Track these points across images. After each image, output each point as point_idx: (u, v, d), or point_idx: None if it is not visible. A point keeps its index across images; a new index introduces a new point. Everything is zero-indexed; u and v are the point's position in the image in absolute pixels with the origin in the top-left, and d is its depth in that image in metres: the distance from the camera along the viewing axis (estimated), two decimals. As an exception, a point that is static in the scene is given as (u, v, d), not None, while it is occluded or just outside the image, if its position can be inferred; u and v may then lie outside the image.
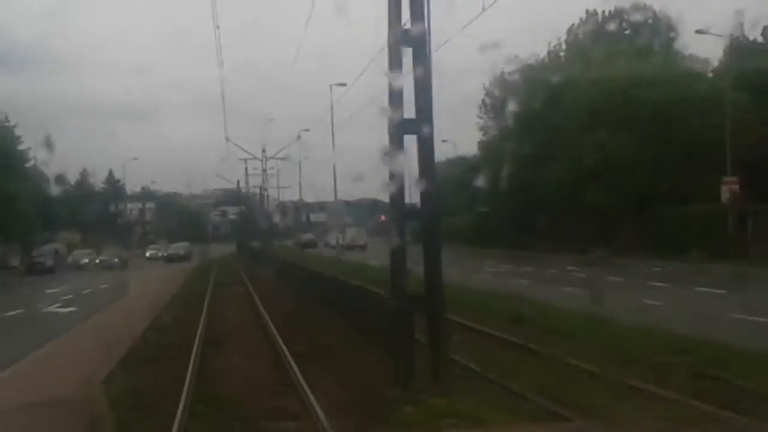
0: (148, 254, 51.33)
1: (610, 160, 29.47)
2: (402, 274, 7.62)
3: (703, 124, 27.67)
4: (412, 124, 7.36)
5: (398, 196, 7.56)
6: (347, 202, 64.25)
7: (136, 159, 57.08)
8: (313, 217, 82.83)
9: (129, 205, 67.46)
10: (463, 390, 7.18)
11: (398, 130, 7.34)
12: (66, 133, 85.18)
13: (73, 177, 61.08)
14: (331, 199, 52.11)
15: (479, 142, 44.10)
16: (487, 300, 14.91)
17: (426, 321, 7.66)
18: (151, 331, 12.63)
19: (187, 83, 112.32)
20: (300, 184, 69.11)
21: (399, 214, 7.69)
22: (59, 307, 18.83)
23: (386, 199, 8.32)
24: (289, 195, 66.03)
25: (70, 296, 21.57)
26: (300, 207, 78.48)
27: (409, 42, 7.29)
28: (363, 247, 47.34)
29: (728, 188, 25.11)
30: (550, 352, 8.94)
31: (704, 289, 16.01)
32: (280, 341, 10.37)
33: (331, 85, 34.58)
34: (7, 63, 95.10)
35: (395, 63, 7.34)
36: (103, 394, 7.50)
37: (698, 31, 29.08)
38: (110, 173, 69.83)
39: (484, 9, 9.66)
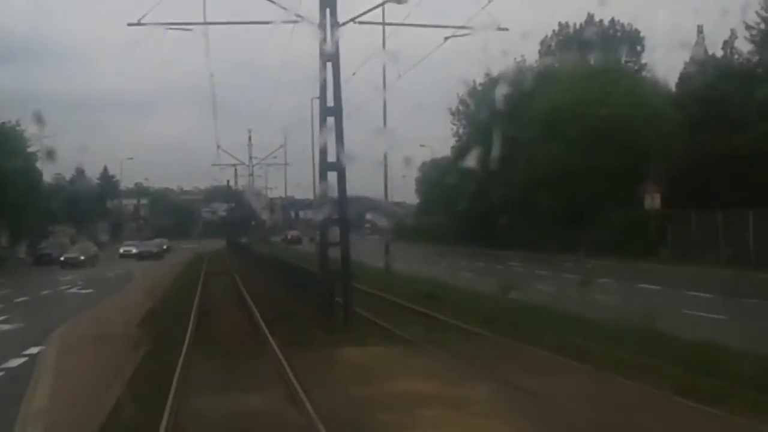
0: (121, 251, 50.47)
1: (559, 169, 34.31)
2: (327, 259, 12.48)
3: (642, 137, 32.64)
4: (333, 165, 12.19)
5: (325, 211, 12.40)
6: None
7: (131, 158, 61.44)
8: (301, 214, 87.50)
9: (124, 201, 71.89)
10: (363, 331, 12.00)
11: (324, 168, 12.19)
12: (58, 126, 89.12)
13: (64, 170, 65.21)
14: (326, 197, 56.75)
15: (452, 147, 48.97)
16: (419, 284, 19.65)
17: (341, 288, 12.51)
18: (159, 303, 17.49)
19: (180, 78, 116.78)
20: (285, 183, 74.33)
21: (325, 223, 12.55)
22: (79, 289, 23.72)
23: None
24: (281, 192, 70.57)
25: (82, 282, 26.43)
26: (287, 204, 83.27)
27: (331, 112, 12.10)
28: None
29: (651, 196, 29.96)
30: (435, 315, 13.72)
31: (604, 279, 20.33)
32: (252, 307, 15.30)
33: (312, 98, 38.94)
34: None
35: (322, 126, 12.16)
36: (139, 333, 12.31)
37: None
38: (105, 169, 74.65)
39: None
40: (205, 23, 14.13)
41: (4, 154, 37.25)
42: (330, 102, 11.92)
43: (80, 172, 70.31)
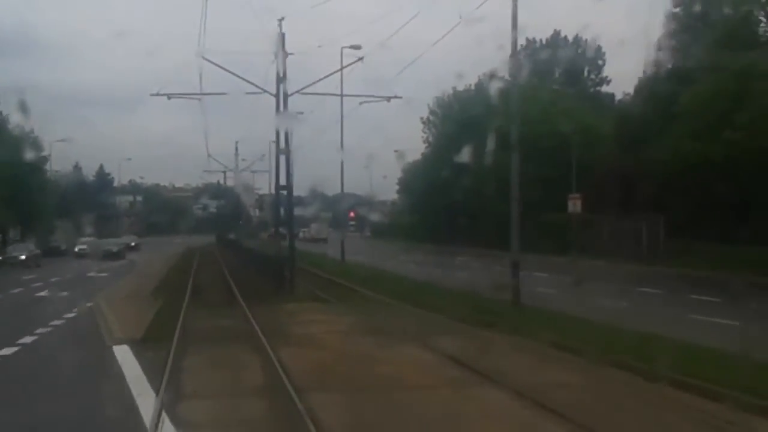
0: (77, 249, 48.47)
1: (505, 177, 41.32)
2: (279, 249, 19.66)
3: (573, 150, 39.67)
4: (284, 186, 19.34)
5: (277, 216, 19.53)
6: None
7: (129, 159, 68.33)
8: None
9: (119, 198, 78.94)
10: (300, 295, 19.12)
11: (277, 188, 19.37)
12: (50, 122, 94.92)
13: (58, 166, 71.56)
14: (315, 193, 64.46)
15: (422, 153, 56.06)
16: (362, 271, 26.74)
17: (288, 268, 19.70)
18: (162, 281, 24.64)
19: (172, 74, 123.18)
20: (269, 186, 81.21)
21: (276, 223, 19.71)
22: (97, 273, 30.92)
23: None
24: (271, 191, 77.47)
25: (98, 269, 33.63)
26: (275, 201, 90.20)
27: (282, 153, 19.25)
28: (324, 240, 59.34)
29: (573, 202, 36.98)
30: (357, 288, 20.79)
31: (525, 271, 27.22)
32: (231, 282, 22.48)
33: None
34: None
35: (278, 161, 19.31)
36: (153, 296, 19.46)
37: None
38: (101, 167, 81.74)
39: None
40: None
41: (18, 155, 44.17)
42: (282, 144, 19.11)
43: (77, 170, 77.37)
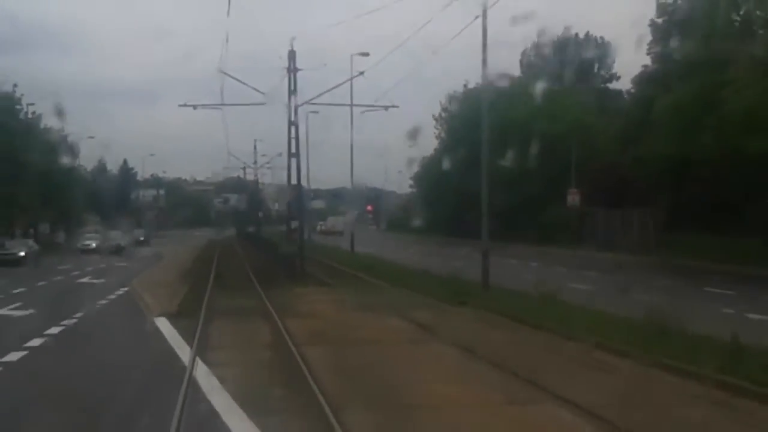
0: (80, 246, 47.37)
1: (510, 172, 44.45)
2: (288, 242, 22.95)
3: (572, 147, 42.63)
4: (295, 187, 22.64)
5: (288, 216, 22.84)
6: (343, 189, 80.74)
7: (152, 155, 71.87)
8: (312, 204, 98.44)
9: (142, 192, 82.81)
10: (309, 281, 22.41)
11: (289, 188, 22.66)
12: (69, 115, 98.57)
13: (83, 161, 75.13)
14: (334, 185, 67.86)
15: (434, 149, 59.16)
16: (369, 261, 29.94)
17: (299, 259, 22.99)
18: (188, 270, 28.04)
19: (191, 67, 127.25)
20: (288, 173, 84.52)
21: (289, 221, 23.00)
22: (128, 263, 34.49)
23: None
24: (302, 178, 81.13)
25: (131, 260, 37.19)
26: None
27: (293, 156, 22.52)
28: (341, 233, 62.62)
29: (572, 196, 40.03)
30: (360, 275, 24.01)
31: (514, 261, 30.44)
32: (249, 271, 25.81)
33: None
34: (9, 43, 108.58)
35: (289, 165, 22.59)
36: (181, 282, 22.82)
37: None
38: (125, 162, 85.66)
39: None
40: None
41: (52, 154, 47.92)
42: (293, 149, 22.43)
43: (102, 165, 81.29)
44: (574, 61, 61.50)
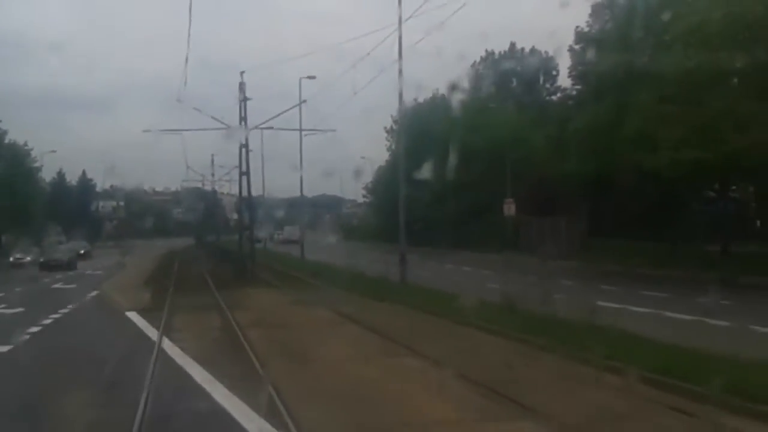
0: (11, 259, 46.95)
1: (452, 183, 48.75)
2: (242, 247, 26.83)
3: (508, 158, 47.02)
4: (245, 199, 26.51)
5: (242, 223, 26.71)
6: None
7: (113, 167, 75.02)
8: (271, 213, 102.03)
9: (102, 203, 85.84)
10: (258, 283, 26.30)
11: (240, 201, 26.55)
12: (23, 124, 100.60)
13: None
14: (294, 194, 71.78)
15: (386, 161, 63.28)
16: (316, 266, 33.83)
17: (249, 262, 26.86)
18: (150, 272, 31.76)
19: (146, 75, 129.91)
20: (239, 189, 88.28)
21: (241, 228, 26.86)
22: (94, 271, 37.98)
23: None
24: (257, 190, 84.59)
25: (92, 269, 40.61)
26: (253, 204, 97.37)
27: (244, 173, 26.42)
28: (297, 242, 66.27)
29: (507, 206, 44.35)
30: (304, 279, 27.95)
31: (450, 266, 34.57)
32: (206, 274, 29.67)
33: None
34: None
35: (240, 182, 26.48)
36: (145, 286, 26.56)
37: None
38: (83, 174, 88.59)
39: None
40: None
41: (15, 166, 51.15)
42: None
43: (61, 176, 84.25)
44: (519, 75, 66.24)
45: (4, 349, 13.97)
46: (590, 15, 36.69)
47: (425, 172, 51.97)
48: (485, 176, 47.38)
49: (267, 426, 7.80)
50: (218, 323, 16.86)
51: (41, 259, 43.34)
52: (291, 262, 37.72)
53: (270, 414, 8.17)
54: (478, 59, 66.41)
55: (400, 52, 24.29)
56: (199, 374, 10.95)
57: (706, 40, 25.46)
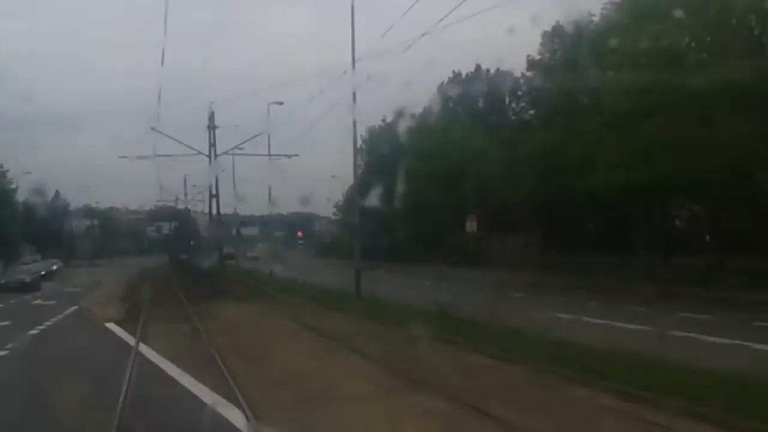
0: None
1: (416, 202, 51.57)
2: (211, 264, 29.35)
3: (470, 178, 49.87)
4: (215, 218, 29.07)
5: (216, 239, 29.27)
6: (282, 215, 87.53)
7: (88, 188, 77.17)
8: (244, 231, 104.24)
9: (75, 222, 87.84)
10: (228, 298, 28.84)
11: (216, 217, 29.13)
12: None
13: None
14: (266, 212, 74.42)
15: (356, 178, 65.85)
16: (284, 282, 36.39)
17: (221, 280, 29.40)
18: (126, 289, 34.17)
19: (119, 93, 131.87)
20: (210, 210, 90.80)
21: (213, 246, 29.39)
22: (73, 287, 40.29)
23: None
24: (229, 209, 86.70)
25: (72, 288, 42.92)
26: (227, 222, 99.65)
27: (214, 196, 29.00)
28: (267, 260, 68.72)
29: (470, 223, 47.17)
30: (274, 294, 30.48)
31: (411, 280, 37.31)
32: (178, 288, 32.16)
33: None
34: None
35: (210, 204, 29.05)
36: (120, 300, 29.02)
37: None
38: (57, 193, 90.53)
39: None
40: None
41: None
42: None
43: (34, 197, 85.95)
44: (485, 96, 69.25)
45: (11, 346, 16.77)
46: (541, 43, 39.67)
47: (391, 192, 54.99)
48: (449, 194, 50.16)
49: (222, 399, 10.34)
50: (188, 331, 19.33)
51: (1, 281, 41.61)
52: (261, 278, 40.22)
53: (224, 393, 10.73)
54: (445, 80, 69.32)
55: (354, 98, 26.94)
56: (169, 368, 13.48)
57: (637, 70, 28.36)
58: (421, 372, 11.56)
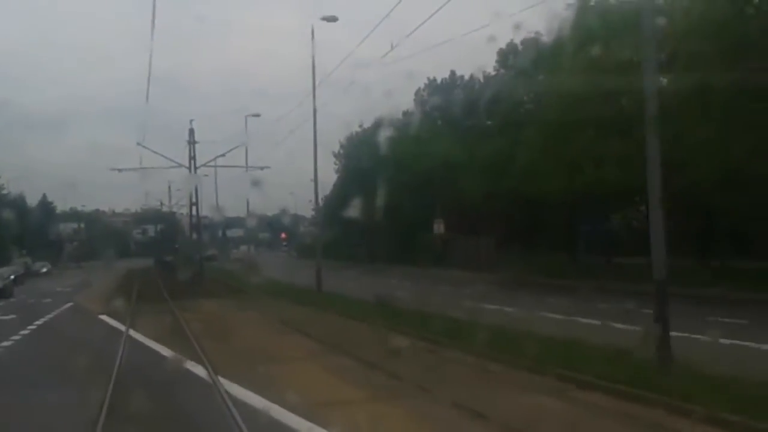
0: None
1: (388, 206, 55.76)
2: (190, 264, 33.54)
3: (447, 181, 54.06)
4: (195, 226, 33.24)
5: (195, 244, 33.44)
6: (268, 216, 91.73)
7: (73, 185, 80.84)
8: (229, 233, 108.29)
9: (61, 225, 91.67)
10: (206, 296, 33.02)
11: (195, 221, 33.28)
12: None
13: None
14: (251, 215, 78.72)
15: (334, 184, 70.22)
16: (260, 282, 40.55)
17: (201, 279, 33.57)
18: (114, 288, 38.32)
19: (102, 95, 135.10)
20: (190, 217, 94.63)
21: (193, 249, 33.56)
22: (64, 288, 44.36)
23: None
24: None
25: (62, 287, 47.00)
26: (211, 225, 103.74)
27: (193, 203, 33.17)
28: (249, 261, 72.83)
29: (437, 225, 51.43)
30: (248, 291, 34.66)
31: (380, 278, 41.55)
32: (162, 287, 36.37)
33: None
34: None
35: (191, 212, 33.21)
36: (109, 298, 33.19)
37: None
38: (44, 196, 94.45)
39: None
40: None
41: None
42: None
43: (21, 199, 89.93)
44: (457, 102, 73.48)
45: (25, 332, 21.01)
46: (497, 60, 43.99)
47: (367, 196, 59.13)
48: (421, 198, 54.44)
49: (193, 362, 14.52)
50: (169, 321, 23.49)
51: None
52: (240, 278, 44.32)
53: (195, 359, 14.91)
54: (422, 86, 73.50)
55: (314, 119, 31.18)
56: (153, 345, 17.72)
57: (572, 88, 32.61)
58: (343, 343, 15.80)
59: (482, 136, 55.57)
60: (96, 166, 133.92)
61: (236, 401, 10.63)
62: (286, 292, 31.91)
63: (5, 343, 19.42)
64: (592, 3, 34.98)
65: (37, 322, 24.42)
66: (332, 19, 29.68)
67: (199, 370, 13.72)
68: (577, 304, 24.91)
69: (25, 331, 21.93)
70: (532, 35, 39.11)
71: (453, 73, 74.64)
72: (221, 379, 12.38)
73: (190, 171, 34.22)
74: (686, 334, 13.33)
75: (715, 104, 25.97)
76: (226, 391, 11.36)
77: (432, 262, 50.18)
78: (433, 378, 12.02)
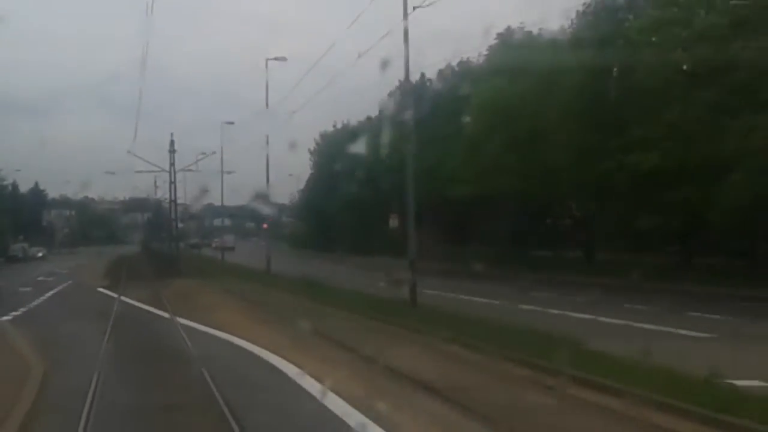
0: None
1: (353, 201, 65.01)
2: (170, 252, 42.88)
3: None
4: (176, 220, 42.64)
5: (177, 234, 42.79)
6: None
7: (68, 181, 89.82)
8: (216, 222, 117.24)
9: (53, 212, 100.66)
10: (185, 278, 42.37)
11: (184, 214, 42.64)
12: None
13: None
14: (238, 203, 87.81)
15: (307, 180, 79.55)
16: (232, 266, 49.81)
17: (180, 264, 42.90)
18: (107, 270, 47.73)
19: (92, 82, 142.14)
20: (173, 205, 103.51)
21: (173, 238, 42.90)
22: (61, 270, 53.72)
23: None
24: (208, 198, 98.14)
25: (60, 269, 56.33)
26: (198, 214, 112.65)
27: (174, 201, 42.50)
28: (232, 248, 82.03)
29: (392, 219, 60.63)
30: (220, 275, 43.94)
31: (341, 267, 50.67)
32: (147, 270, 45.80)
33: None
34: None
35: (171, 210, 42.51)
36: (103, 276, 42.48)
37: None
38: (36, 184, 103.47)
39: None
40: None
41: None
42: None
43: (15, 187, 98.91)
44: (422, 106, 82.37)
45: (43, 298, 30.24)
46: (436, 78, 53.27)
47: (336, 191, 68.29)
48: (380, 194, 63.69)
49: (162, 311, 23.87)
50: (151, 294, 32.59)
51: None
52: (215, 263, 53.72)
53: (164, 310, 24.23)
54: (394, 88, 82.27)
55: (267, 139, 40.24)
56: (141, 306, 27.05)
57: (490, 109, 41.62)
58: (263, 303, 25.22)
59: (423, 143, 64.81)
60: (84, 153, 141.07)
61: (182, 325, 20.12)
62: (243, 274, 41.16)
63: (34, 302, 28.93)
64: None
65: (48, 294, 33.67)
66: (282, 59, 39.16)
67: (164, 314, 23.15)
68: (503, 290, 34.31)
69: (44, 297, 31.24)
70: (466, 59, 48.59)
71: (423, 75, 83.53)
72: (177, 318, 21.78)
73: (170, 177, 43.55)
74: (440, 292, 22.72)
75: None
76: (179, 322, 20.76)
77: (389, 252, 59.37)
78: (293, 315, 21.36)
